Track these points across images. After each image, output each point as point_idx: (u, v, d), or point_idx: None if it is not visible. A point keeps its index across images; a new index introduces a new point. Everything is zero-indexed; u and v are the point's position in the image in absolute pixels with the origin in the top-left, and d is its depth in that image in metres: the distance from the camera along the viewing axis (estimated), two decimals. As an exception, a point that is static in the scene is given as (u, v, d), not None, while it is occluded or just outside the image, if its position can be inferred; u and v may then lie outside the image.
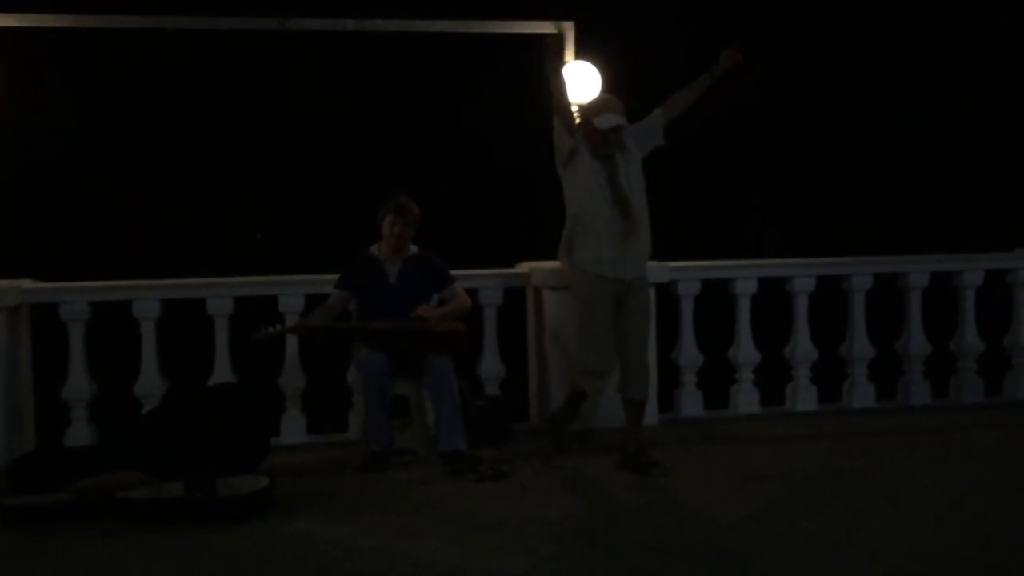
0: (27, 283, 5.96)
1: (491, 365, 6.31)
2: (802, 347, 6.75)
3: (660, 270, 6.38)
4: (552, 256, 5.76)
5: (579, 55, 6.28)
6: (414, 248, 5.68)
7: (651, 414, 6.31)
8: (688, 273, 6.56)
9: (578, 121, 5.42)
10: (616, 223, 5.21)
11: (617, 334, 5.32)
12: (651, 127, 5.46)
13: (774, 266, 6.94)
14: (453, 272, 5.74)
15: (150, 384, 5.96)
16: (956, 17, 12.26)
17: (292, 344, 6.05)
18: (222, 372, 6.02)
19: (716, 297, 6.75)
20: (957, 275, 6.99)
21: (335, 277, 5.68)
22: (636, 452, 5.28)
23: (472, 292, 5.99)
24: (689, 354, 6.61)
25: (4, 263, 6.26)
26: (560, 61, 5.52)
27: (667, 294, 6.49)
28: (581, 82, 6.27)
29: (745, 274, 6.68)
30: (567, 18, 6.17)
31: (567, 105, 5.38)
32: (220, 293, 6.03)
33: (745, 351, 6.68)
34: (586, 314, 5.34)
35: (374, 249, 5.68)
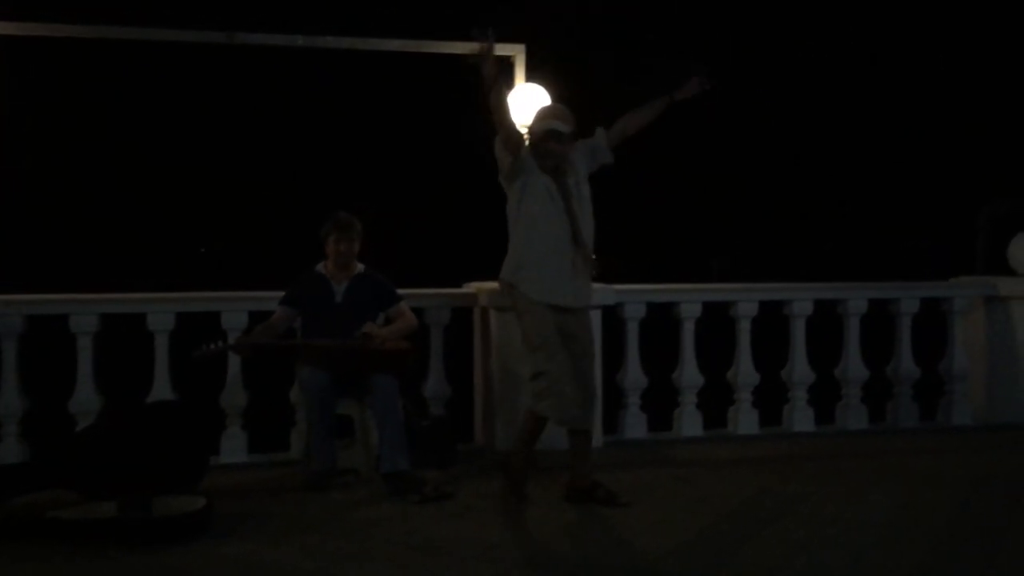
0: (-40, 296, 5.80)
1: (437, 385, 6.28)
2: (744, 371, 6.83)
3: (606, 292, 6.42)
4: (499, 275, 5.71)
5: (529, 78, 6.32)
6: (361, 266, 5.65)
7: (595, 436, 6.33)
8: (634, 296, 6.61)
9: (527, 141, 5.21)
10: (565, 248, 4.95)
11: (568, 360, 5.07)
12: (594, 147, 5.20)
13: (718, 290, 7.03)
14: (400, 291, 5.72)
15: (86, 400, 5.83)
16: (892, 56, 12.60)
17: (234, 361, 5.96)
18: (162, 389, 5.91)
19: (662, 321, 6.81)
20: (894, 302, 7.14)
21: (279, 294, 5.62)
22: (591, 487, 5.06)
23: (419, 311, 5.96)
24: (633, 376, 6.65)
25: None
26: (500, 76, 5.17)
27: (613, 317, 6.52)
28: (531, 105, 6.30)
29: (689, 298, 6.75)
30: (517, 41, 6.22)
31: (509, 123, 4.99)
32: (161, 308, 5.93)
33: (688, 374, 6.74)
34: (539, 346, 4.96)
35: (320, 267, 5.63)
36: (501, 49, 6.28)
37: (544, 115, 5.05)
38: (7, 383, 5.78)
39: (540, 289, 4.97)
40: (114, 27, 6.03)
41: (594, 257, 5.09)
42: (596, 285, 6.47)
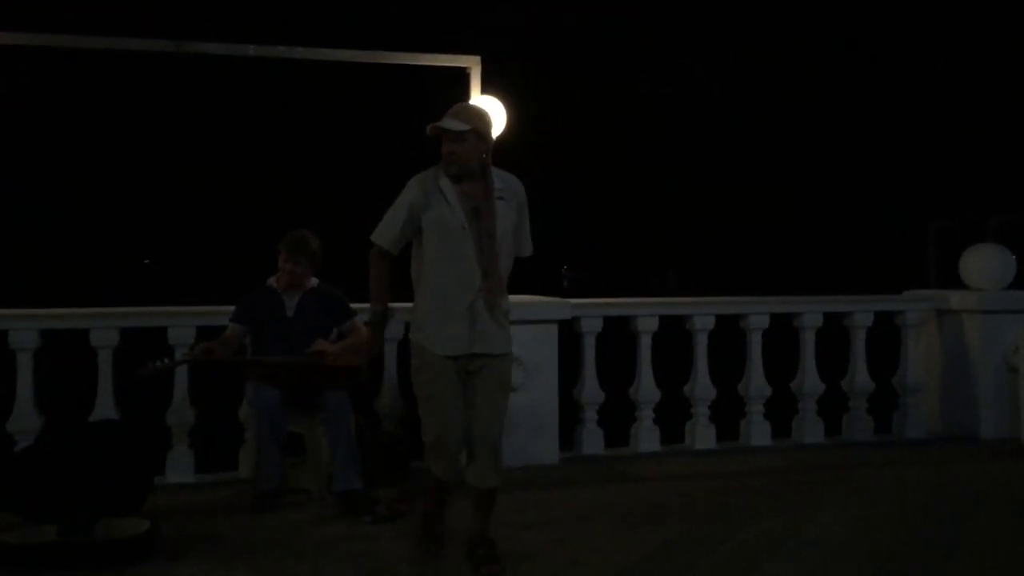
0: None
1: (391, 401, 6.17)
2: (701, 385, 6.81)
3: (562, 307, 6.39)
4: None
5: (485, 90, 6.26)
6: (314, 280, 5.53)
7: (551, 452, 6.27)
8: (590, 310, 6.57)
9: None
10: (467, 287, 4.13)
11: (467, 408, 4.31)
12: (522, 205, 4.33)
13: (675, 304, 7.01)
14: (353, 306, 5.60)
15: (25, 419, 5.63)
16: (848, 68, 12.77)
17: (181, 378, 5.80)
18: (105, 408, 5.73)
19: (619, 335, 6.78)
20: (848, 316, 7.17)
21: (229, 308, 5.48)
22: (479, 543, 4.34)
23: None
24: (590, 391, 6.59)
25: None
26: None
27: (569, 331, 6.48)
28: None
29: (646, 311, 6.72)
30: (473, 52, 6.16)
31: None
32: (104, 324, 5.75)
33: (645, 389, 6.70)
34: (431, 410, 4.31)
35: (272, 281, 5.51)
36: (457, 60, 6.23)
37: (447, 113, 4.21)
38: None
39: (437, 339, 4.19)
40: (60, 36, 5.86)
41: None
42: (550, 299, 6.46)
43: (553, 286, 12.44)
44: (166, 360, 5.28)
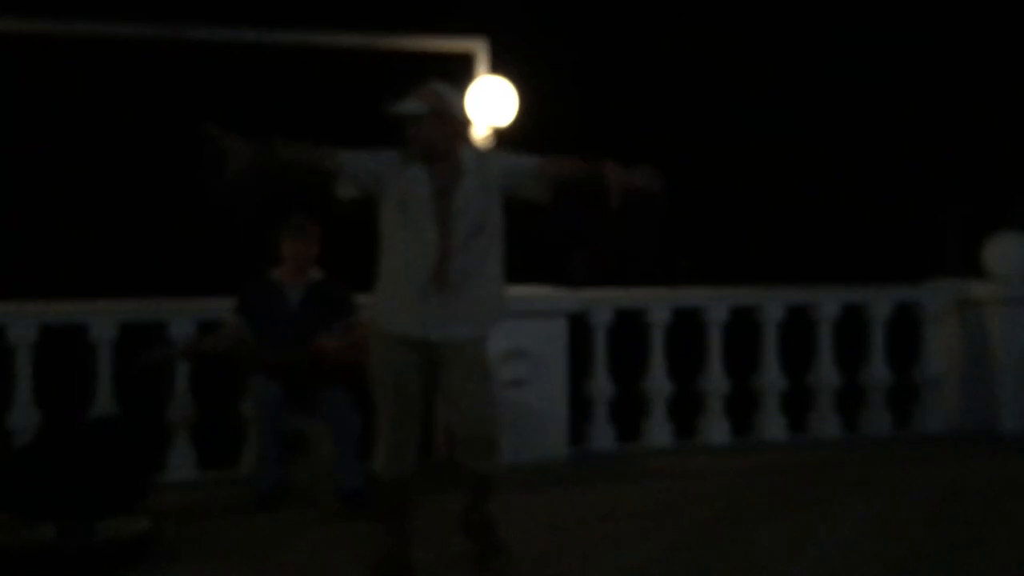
0: None
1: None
2: (714, 379, 6.66)
3: (572, 299, 6.26)
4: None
5: (493, 71, 6.12)
6: (317, 273, 5.40)
7: (560, 448, 6.15)
8: (601, 302, 6.43)
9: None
10: (425, 265, 3.91)
11: (444, 399, 4.23)
12: (520, 168, 4.05)
13: (687, 296, 6.85)
14: (358, 300, 5.48)
15: (23, 416, 5.53)
16: (868, 49, 12.53)
17: (182, 373, 5.69)
18: (104, 404, 5.63)
19: (631, 327, 6.63)
20: (866, 308, 7.00)
21: (230, 302, 5.36)
22: (479, 525, 4.23)
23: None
24: (600, 385, 6.46)
25: None
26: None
27: (580, 324, 6.34)
28: (495, 99, 6.12)
29: (658, 304, 6.57)
30: (480, 33, 6.02)
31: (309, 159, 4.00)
32: (103, 318, 5.64)
33: (657, 382, 6.56)
34: (380, 394, 4.11)
35: (274, 273, 5.39)
36: (460, 45, 6.09)
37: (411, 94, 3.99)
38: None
39: (389, 317, 4.02)
40: (57, 22, 5.75)
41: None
42: (558, 291, 6.32)
43: (569, 275, 12.31)
44: (165, 349, 5.19)
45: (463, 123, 4.03)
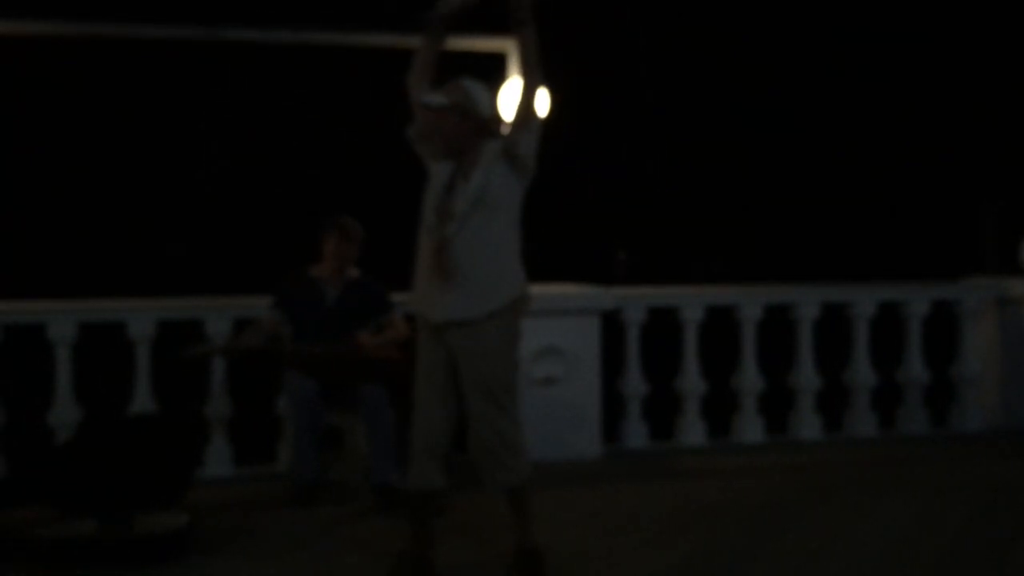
0: (-66, 303, 5.60)
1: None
2: (748, 377, 6.62)
3: (605, 297, 6.25)
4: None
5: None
6: (355, 272, 5.45)
7: (593, 446, 6.14)
8: (634, 300, 6.42)
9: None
10: (431, 251, 3.92)
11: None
12: (504, 142, 3.96)
13: (722, 294, 6.82)
14: (394, 297, 5.51)
15: (65, 413, 5.62)
16: (894, 42, 12.38)
17: (219, 369, 5.76)
18: (143, 400, 5.70)
19: (664, 325, 6.61)
20: (903, 305, 6.93)
21: (266, 299, 5.41)
22: (527, 553, 4.04)
23: (409, 319, 5.75)
24: (634, 383, 6.44)
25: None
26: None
27: (613, 322, 6.33)
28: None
29: (692, 301, 6.54)
30: (508, 33, 6.00)
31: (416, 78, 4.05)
32: (142, 316, 5.71)
33: (691, 381, 6.53)
34: (416, 383, 4.07)
35: (313, 270, 5.44)
36: (495, 42, 6.10)
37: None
38: (-17, 395, 5.57)
39: (415, 299, 4.06)
40: (95, 24, 5.82)
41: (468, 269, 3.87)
42: (591, 288, 6.31)
43: (608, 272, 12.28)
44: (209, 345, 5.24)
45: (487, 119, 3.98)
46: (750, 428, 6.61)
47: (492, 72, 5.61)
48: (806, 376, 6.71)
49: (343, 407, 5.28)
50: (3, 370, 5.66)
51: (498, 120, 4.07)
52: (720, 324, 6.71)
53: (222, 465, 5.78)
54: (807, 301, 6.72)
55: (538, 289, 6.30)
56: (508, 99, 6.16)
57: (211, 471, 5.72)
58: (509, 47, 6.12)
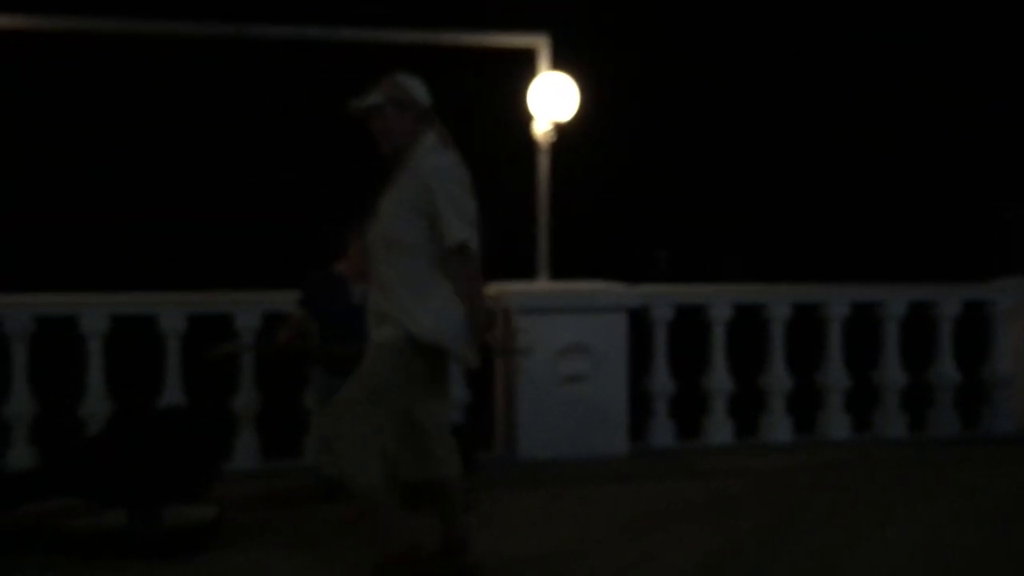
0: (-32, 296, 5.68)
1: (456, 391, 6.08)
2: (777, 376, 6.58)
3: (632, 295, 6.23)
4: (523, 276, 5.51)
5: (555, 67, 6.12)
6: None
7: (619, 444, 6.12)
8: (661, 298, 6.40)
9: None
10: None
11: None
12: (438, 220, 3.77)
13: (750, 292, 6.78)
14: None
15: (96, 405, 5.68)
16: (922, 43, 12.26)
17: (247, 365, 5.80)
18: (173, 393, 5.75)
19: (691, 323, 6.58)
20: (934, 305, 6.86)
21: (294, 294, 5.44)
22: (452, 548, 3.93)
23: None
24: (660, 381, 6.42)
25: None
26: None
27: (640, 320, 6.32)
28: (556, 95, 6.12)
29: (720, 300, 6.51)
30: (541, 29, 6.02)
31: None
32: (172, 310, 5.76)
33: (718, 379, 6.50)
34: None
35: (339, 267, 5.46)
36: (521, 41, 6.10)
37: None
38: (16, 386, 5.64)
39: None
40: (124, 21, 5.89)
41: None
42: (617, 287, 6.30)
43: (645, 270, 12.23)
44: (236, 343, 5.27)
45: (425, 109, 3.86)
46: (778, 427, 6.57)
47: (522, 68, 5.60)
48: (835, 375, 6.66)
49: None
50: (36, 362, 5.72)
51: (429, 110, 3.90)
52: (748, 322, 6.67)
53: (249, 459, 5.82)
54: (837, 300, 6.67)
55: (565, 286, 6.33)
56: (538, 95, 6.16)
57: (238, 465, 5.77)
58: (538, 44, 6.12)
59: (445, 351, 3.86)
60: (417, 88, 3.91)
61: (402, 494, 3.91)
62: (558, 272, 6.45)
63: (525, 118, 6.25)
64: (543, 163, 6.33)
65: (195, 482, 4.86)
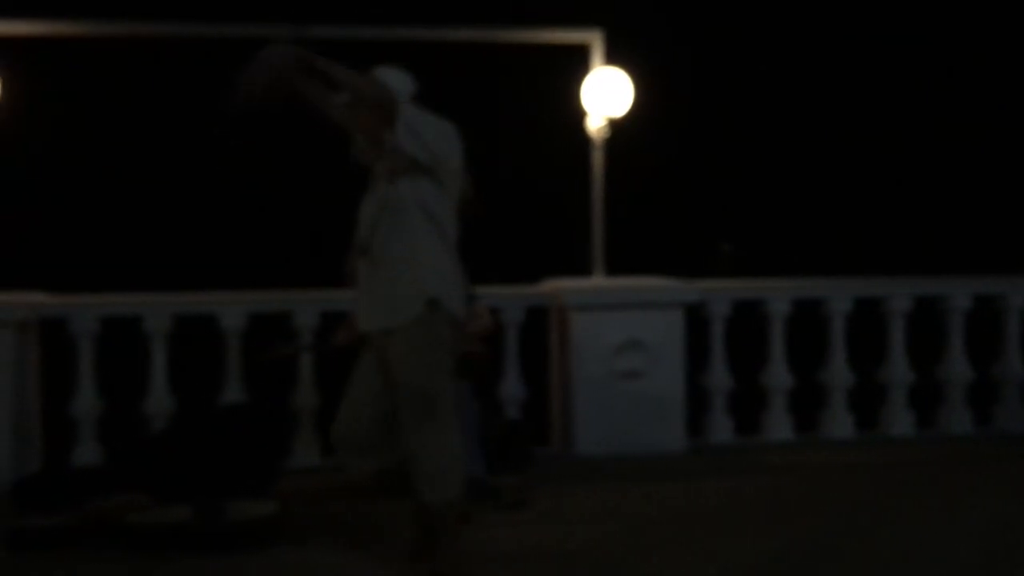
0: (37, 297, 5.81)
1: (512, 388, 6.09)
2: (838, 371, 6.48)
3: (688, 290, 6.19)
4: (578, 272, 5.49)
5: (609, 62, 6.09)
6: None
7: (677, 441, 6.08)
8: (718, 293, 6.34)
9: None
10: (363, 254, 3.83)
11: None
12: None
13: (810, 287, 6.68)
14: (475, 289, 5.53)
15: (159, 402, 5.79)
16: (945, 29, 11.99)
17: (307, 362, 5.86)
18: (234, 391, 5.84)
19: (749, 318, 6.51)
20: (1001, 298, 6.69)
21: (353, 292, 5.49)
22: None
23: (494, 311, 5.78)
24: (718, 377, 6.36)
25: (10, 274, 6.12)
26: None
27: (696, 315, 6.27)
28: (610, 91, 6.09)
29: (778, 295, 6.43)
30: (595, 25, 5.99)
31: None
32: (233, 309, 5.85)
33: (777, 375, 6.43)
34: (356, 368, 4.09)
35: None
36: (578, 35, 6.08)
37: None
38: (83, 384, 5.77)
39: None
40: (184, 24, 6.00)
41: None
42: (674, 282, 6.26)
43: (707, 264, 12.16)
44: (294, 345, 5.34)
45: (399, 104, 3.73)
46: (839, 423, 6.47)
47: (575, 64, 5.58)
48: (898, 371, 6.54)
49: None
50: (101, 361, 5.85)
51: (392, 98, 3.76)
52: (808, 317, 6.58)
53: (310, 455, 5.88)
54: (899, 294, 6.55)
55: (620, 282, 6.30)
56: (591, 91, 6.14)
57: (299, 461, 5.83)
58: (592, 39, 6.09)
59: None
60: (393, 82, 3.80)
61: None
62: (614, 268, 6.42)
63: (579, 114, 6.23)
64: (597, 159, 6.31)
65: (258, 477, 4.95)
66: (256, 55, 3.67)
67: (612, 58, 6.14)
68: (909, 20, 12.22)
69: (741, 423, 6.45)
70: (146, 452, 5.14)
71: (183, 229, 11.23)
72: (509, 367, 6.10)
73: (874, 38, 12.49)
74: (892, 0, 12.07)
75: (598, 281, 6.33)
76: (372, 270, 3.75)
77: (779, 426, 6.42)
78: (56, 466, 5.68)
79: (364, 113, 3.73)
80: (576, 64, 6.14)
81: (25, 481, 5.03)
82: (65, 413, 5.78)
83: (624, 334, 5.97)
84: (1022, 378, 6.67)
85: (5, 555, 4.33)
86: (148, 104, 11.05)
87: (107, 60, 9.65)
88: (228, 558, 4.21)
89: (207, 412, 5.51)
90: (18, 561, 4.27)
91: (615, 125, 6.26)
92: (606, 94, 6.09)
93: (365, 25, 5.84)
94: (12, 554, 4.33)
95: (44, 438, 5.84)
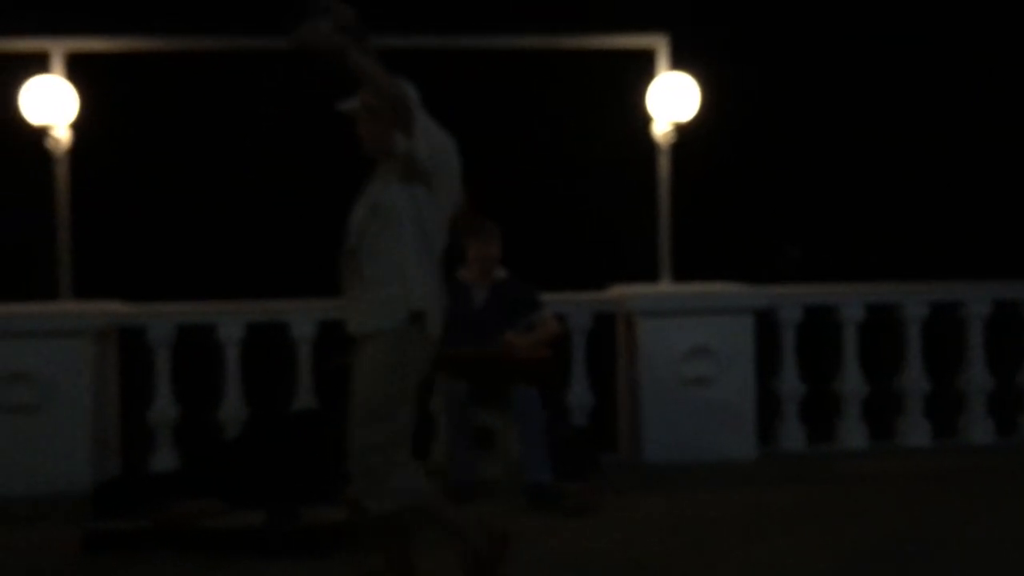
0: (114, 306, 5.97)
1: (580, 394, 6.08)
2: (913, 378, 6.33)
3: (758, 296, 6.10)
4: (645, 278, 5.42)
5: (674, 67, 6.05)
6: (503, 272, 5.51)
7: (748, 448, 5.99)
8: (789, 299, 6.24)
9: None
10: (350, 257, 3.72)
11: None
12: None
13: (883, 292, 6.54)
14: (542, 296, 5.54)
15: (233, 409, 5.90)
16: (982, 35, 11.68)
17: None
18: (305, 397, 5.93)
19: (821, 324, 6.40)
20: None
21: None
22: None
23: (561, 317, 5.77)
24: (790, 384, 6.26)
25: (87, 283, 6.30)
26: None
27: (767, 321, 6.18)
28: (676, 96, 6.05)
29: (851, 300, 6.30)
30: (661, 29, 5.95)
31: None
32: (303, 318, 5.94)
33: (851, 382, 6.30)
34: None
35: (460, 273, 5.53)
36: (643, 40, 6.05)
37: None
38: (160, 392, 5.91)
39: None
40: (249, 38, 6.14)
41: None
42: (744, 287, 6.18)
43: (775, 268, 12.01)
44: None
45: (408, 105, 3.61)
46: (915, 431, 6.32)
47: (641, 69, 5.55)
48: (977, 377, 6.36)
49: (495, 408, 5.34)
50: (177, 368, 5.98)
51: (406, 107, 3.62)
52: (882, 322, 6.43)
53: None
54: (977, 299, 6.37)
55: (687, 288, 6.24)
56: (657, 96, 6.11)
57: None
58: (657, 44, 6.05)
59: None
60: (407, 88, 3.69)
61: None
62: (680, 273, 6.37)
63: (645, 119, 6.20)
64: (663, 164, 6.26)
65: (329, 483, 4.99)
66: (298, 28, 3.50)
67: (677, 63, 6.10)
68: (968, 27, 11.96)
69: (814, 430, 6.33)
70: (220, 458, 5.23)
71: (255, 238, 11.44)
72: (576, 373, 6.08)
73: (938, 44, 12.24)
74: (959, 7, 11.80)
75: (665, 287, 6.28)
76: (359, 273, 3.67)
77: (853, 434, 6.29)
78: (134, 471, 5.83)
79: (380, 112, 3.62)
80: (642, 69, 6.11)
81: (104, 486, 5.15)
82: (143, 420, 5.93)
83: (692, 340, 5.91)
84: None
85: (84, 556, 4.44)
86: (221, 116, 11.29)
87: (183, 74, 9.89)
88: (300, 563, 4.27)
89: (279, 418, 5.58)
90: (96, 562, 4.38)
91: (681, 130, 6.21)
92: (672, 99, 6.06)
93: (431, 34, 5.88)
94: (90, 555, 4.45)
95: (122, 444, 5.99)
